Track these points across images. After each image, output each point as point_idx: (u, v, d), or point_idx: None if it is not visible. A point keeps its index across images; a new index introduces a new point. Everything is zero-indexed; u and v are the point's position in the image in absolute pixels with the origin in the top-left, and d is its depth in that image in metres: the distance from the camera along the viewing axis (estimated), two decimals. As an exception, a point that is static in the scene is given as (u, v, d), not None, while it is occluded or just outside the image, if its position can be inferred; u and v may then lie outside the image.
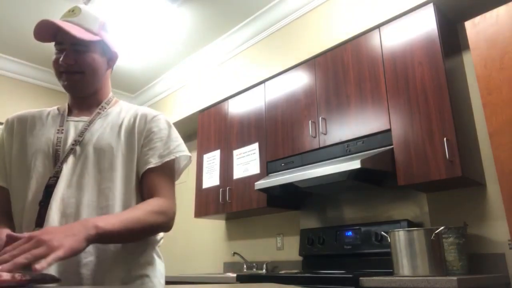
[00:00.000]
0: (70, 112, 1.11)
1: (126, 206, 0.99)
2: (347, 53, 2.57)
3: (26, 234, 0.73)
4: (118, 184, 1.00)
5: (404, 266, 1.88)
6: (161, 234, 1.09)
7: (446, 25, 2.28)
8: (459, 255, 1.97)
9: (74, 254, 0.75)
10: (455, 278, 1.60)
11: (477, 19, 1.93)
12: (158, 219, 0.96)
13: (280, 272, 2.74)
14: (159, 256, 1.08)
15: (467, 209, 2.18)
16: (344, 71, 2.56)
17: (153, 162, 1.03)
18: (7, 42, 3.60)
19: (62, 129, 1.05)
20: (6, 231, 0.92)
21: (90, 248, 0.90)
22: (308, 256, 2.77)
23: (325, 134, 2.55)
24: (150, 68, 4.05)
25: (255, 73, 3.23)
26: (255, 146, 3.04)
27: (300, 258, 2.86)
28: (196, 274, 3.16)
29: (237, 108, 3.32)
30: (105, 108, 1.12)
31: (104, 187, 0.98)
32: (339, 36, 2.64)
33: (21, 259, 0.66)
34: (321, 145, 2.55)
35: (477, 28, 1.92)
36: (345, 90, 2.51)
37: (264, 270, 3.09)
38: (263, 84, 3.14)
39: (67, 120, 1.08)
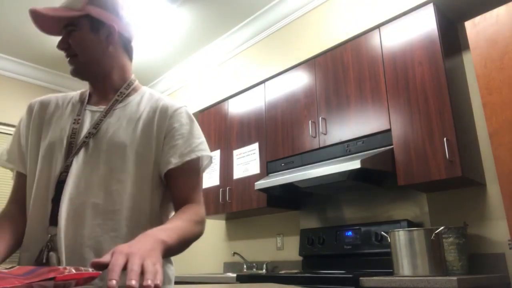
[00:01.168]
0: (89, 100, 1.05)
1: (135, 211, 0.92)
2: (347, 53, 2.57)
3: (108, 257, 0.61)
4: (129, 187, 0.92)
5: (404, 266, 1.88)
6: None
7: (446, 25, 2.28)
8: (459, 255, 1.97)
9: (152, 260, 0.66)
10: (455, 278, 1.60)
11: (477, 19, 1.93)
12: (200, 229, 0.93)
13: (280, 272, 2.74)
14: (169, 261, 1.02)
15: (467, 209, 2.18)
16: (344, 71, 2.56)
17: (174, 162, 0.95)
18: (7, 42, 3.60)
19: (79, 119, 0.98)
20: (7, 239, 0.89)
21: (91, 250, 0.86)
22: (308, 256, 2.77)
23: (325, 134, 2.55)
24: (150, 68, 4.05)
25: (255, 73, 3.23)
26: (255, 146, 3.04)
27: (300, 258, 2.86)
28: (196, 274, 3.16)
29: (237, 108, 3.32)
30: (124, 95, 1.03)
31: (113, 189, 0.91)
32: (339, 36, 2.64)
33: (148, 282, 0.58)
34: (321, 145, 2.55)
35: (477, 28, 1.92)
36: (345, 90, 2.51)
37: (264, 270, 3.09)
38: (263, 84, 3.14)
39: (85, 109, 1.01)
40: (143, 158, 0.95)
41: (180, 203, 0.97)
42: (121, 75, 1.06)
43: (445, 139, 1.99)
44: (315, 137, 2.61)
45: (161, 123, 0.99)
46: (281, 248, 3.12)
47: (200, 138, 1.02)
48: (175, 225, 0.86)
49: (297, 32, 2.98)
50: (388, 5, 2.40)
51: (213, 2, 3.10)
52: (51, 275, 0.55)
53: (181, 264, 4.00)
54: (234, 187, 3.13)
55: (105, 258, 0.61)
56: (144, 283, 0.57)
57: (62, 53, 1.03)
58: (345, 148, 2.41)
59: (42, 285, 0.54)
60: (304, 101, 2.75)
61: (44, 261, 0.85)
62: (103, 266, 0.60)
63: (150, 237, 0.73)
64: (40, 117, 1.03)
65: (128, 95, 1.04)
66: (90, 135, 0.95)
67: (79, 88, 4.23)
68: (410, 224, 2.31)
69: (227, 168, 3.24)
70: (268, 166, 2.90)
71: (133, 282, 0.55)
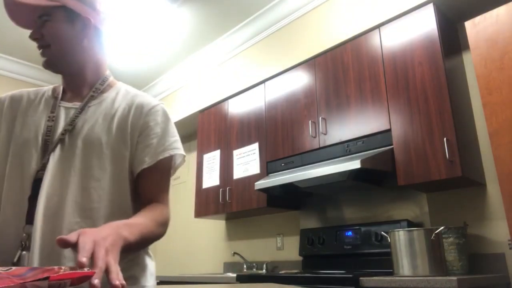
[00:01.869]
0: (63, 96, 1.02)
1: (114, 209, 0.91)
2: (347, 53, 2.57)
3: (74, 237, 0.63)
4: (106, 184, 0.91)
5: (404, 266, 1.88)
6: None
7: (446, 25, 2.28)
8: (459, 255, 1.97)
9: (115, 250, 0.68)
10: (455, 278, 1.60)
11: (477, 19, 1.93)
12: (162, 231, 0.92)
13: (280, 272, 2.74)
14: (148, 255, 1.01)
15: (467, 209, 2.18)
16: (344, 71, 2.56)
17: (147, 161, 0.94)
18: (7, 42, 3.60)
19: (54, 116, 0.96)
20: None
21: (69, 253, 0.83)
22: (308, 256, 2.77)
23: (325, 134, 2.55)
24: (150, 68, 4.05)
25: (255, 73, 3.23)
26: (255, 146, 3.04)
27: (300, 258, 2.86)
28: (196, 274, 3.16)
29: (237, 108, 3.32)
30: (99, 91, 1.01)
31: (89, 186, 0.90)
32: (339, 36, 2.64)
33: (113, 276, 0.61)
34: (321, 145, 2.55)
35: (477, 28, 1.92)
36: (345, 90, 2.51)
37: (264, 270, 3.09)
38: (263, 84, 3.14)
39: (59, 105, 0.98)
40: (119, 155, 0.95)
41: (146, 202, 0.96)
42: (95, 70, 1.04)
43: (445, 139, 1.99)
44: (315, 137, 2.61)
45: (136, 121, 0.98)
46: (281, 248, 3.12)
47: (174, 136, 1.01)
48: (139, 222, 0.85)
49: (297, 32, 2.98)
50: (388, 5, 2.40)
51: (213, 2, 3.10)
52: (45, 274, 0.55)
53: (182, 264, 4.00)
54: (234, 187, 3.13)
55: (72, 237, 0.62)
56: (113, 283, 0.59)
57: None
58: (345, 148, 2.41)
59: (36, 285, 0.53)
60: (304, 101, 2.75)
61: (15, 260, 0.82)
62: (69, 245, 0.62)
63: (114, 230, 0.72)
64: (11, 112, 1.00)
65: (103, 91, 1.02)
66: (66, 132, 0.93)
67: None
68: (410, 224, 2.31)
69: (227, 168, 3.24)
70: (268, 166, 2.90)
71: (96, 281, 0.56)
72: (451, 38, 2.31)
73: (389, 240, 2.00)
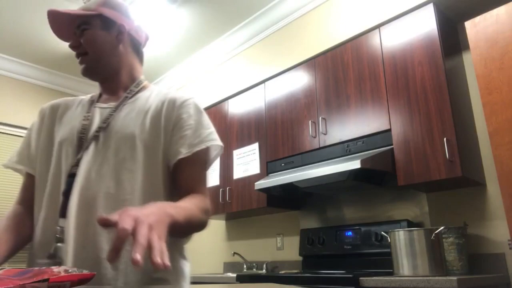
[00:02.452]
0: (99, 99, 1.08)
1: (147, 200, 0.85)
2: (347, 53, 2.57)
3: (115, 216, 0.61)
4: (139, 175, 0.93)
5: (404, 266, 1.88)
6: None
7: (446, 25, 2.28)
8: (459, 255, 1.97)
9: (161, 228, 0.65)
10: (455, 278, 1.60)
11: (477, 19, 1.93)
12: (206, 218, 0.93)
13: (280, 272, 2.74)
14: (184, 257, 1.00)
15: (467, 209, 2.18)
16: (344, 71, 2.56)
17: (183, 152, 0.95)
18: (7, 42, 3.60)
19: (89, 116, 1.01)
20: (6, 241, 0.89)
21: (105, 244, 0.86)
22: (308, 256, 2.77)
23: (325, 134, 2.55)
24: (150, 68, 4.05)
25: (255, 73, 3.23)
26: (255, 146, 3.04)
27: (300, 258, 2.86)
28: (196, 274, 3.16)
29: (237, 108, 3.32)
30: (133, 92, 1.06)
31: (122, 178, 0.92)
32: (339, 36, 2.64)
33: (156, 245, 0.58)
34: (321, 145, 2.55)
35: (477, 28, 1.92)
36: (345, 90, 2.51)
37: (264, 270, 3.09)
38: (263, 84, 3.14)
39: (94, 107, 1.04)
40: (152, 148, 0.96)
41: (185, 194, 0.95)
42: (130, 75, 1.09)
43: (445, 139, 1.99)
44: (315, 137, 2.61)
45: (169, 114, 1.00)
46: (281, 248, 3.12)
47: (209, 128, 1.02)
48: (184, 205, 0.86)
49: (297, 32, 2.98)
50: (388, 5, 2.40)
51: (213, 2, 3.10)
52: (45, 276, 0.55)
53: (181, 264, 4.00)
54: (234, 187, 3.13)
55: (113, 217, 0.60)
56: (154, 259, 0.55)
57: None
58: (345, 148, 2.41)
59: (35, 286, 0.54)
60: (304, 101, 2.75)
61: (52, 251, 0.86)
62: (109, 224, 0.59)
63: (160, 208, 0.70)
64: (51, 119, 1.06)
65: (137, 92, 1.07)
66: (100, 129, 0.97)
67: (79, 87, 4.27)
68: (410, 224, 2.31)
69: (227, 168, 3.24)
70: (268, 166, 2.90)
71: (138, 257, 0.53)
72: (451, 38, 2.31)
73: (389, 240, 2.00)
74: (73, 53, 1.06)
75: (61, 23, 1.04)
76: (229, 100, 3.43)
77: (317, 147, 2.57)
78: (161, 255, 0.56)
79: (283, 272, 2.74)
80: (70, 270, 0.60)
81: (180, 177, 0.97)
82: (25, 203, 1.01)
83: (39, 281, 0.54)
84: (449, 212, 2.24)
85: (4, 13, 3.19)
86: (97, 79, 1.08)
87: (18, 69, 3.94)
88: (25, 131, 3.99)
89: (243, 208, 3.00)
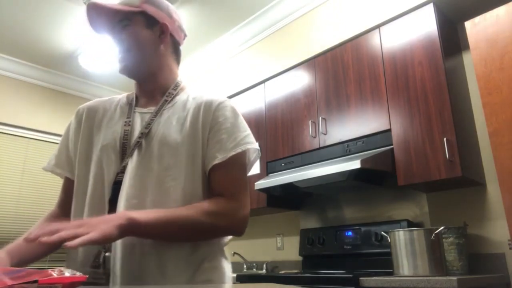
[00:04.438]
0: (137, 102, 1.06)
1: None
2: (347, 53, 2.57)
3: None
4: (182, 182, 0.91)
5: (404, 266, 1.88)
6: (228, 237, 1.01)
7: (446, 25, 2.28)
8: (459, 255, 1.97)
9: (106, 239, 0.73)
10: (455, 278, 1.60)
11: (477, 19, 1.93)
12: (214, 221, 0.88)
13: (280, 272, 2.74)
14: (226, 258, 1.00)
15: (467, 209, 2.18)
16: (344, 71, 2.56)
17: (219, 157, 0.93)
18: (7, 42, 3.59)
19: (130, 121, 0.99)
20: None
21: (151, 249, 0.86)
22: (308, 256, 2.77)
23: (325, 134, 2.55)
24: (150, 68, 4.05)
25: (255, 73, 3.23)
26: (255, 146, 3.04)
27: (300, 258, 2.86)
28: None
29: (237, 108, 3.32)
30: (173, 95, 1.04)
31: (167, 186, 0.91)
32: (339, 36, 2.64)
33: (63, 233, 0.70)
34: (321, 145, 2.55)
35: (477, 28, 1.92)
36: (345, 90, 2.51)
37: (264, 270, 3.09)
38: (263, 84, 3.14)
39: (134, 111, 1.02)
40: (193, 154, 0.95)
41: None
42: (168, 76, 1.07)
43: (445, 139, 1.99)
44: (315, 137, 2.61)
45: (206, 118, 0.98)
46: (281, 248, 3.12)
47: (245, 131, 0.99)
48: (170, 210, 0.87)
49: (297, 32, 2.98)
50: (388, 5, 2.40)
51: (212, 2, 3.10)
52: (35, 277, 0.55)
53: (181, 264, 3.99)
54: (234, 187, 3.12)
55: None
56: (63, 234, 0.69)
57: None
58: (345, 148, 2.41)
59: (24, 287, 0.53)
60: (304, 101, 2.75)
61: (101, 261, 0.86)
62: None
63: (117, 213, 0.79)
64: (89, 122, 1.04)
65: (175, 95, 1.05)
66: (142, 135, 0.96)
67: (79, 87, 4.27)
68: (410, 224, 2.31)
69: (227, 168, 3.24)
70: (268, 166, 2.90)
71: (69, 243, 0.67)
72: (451, 38, 2.31)
73: (389, 240, 2.00)
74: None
75: (100, 16, 1.01)
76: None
77: (317, 147, 2.57)
78: (74, 237, 0.69)
79: (283, 272, 2.74)
80: (65, 272, 0.60)
81: (214, 180, 0.95)
82: (64, 206, 1.02)
83: (28, 282, 0.54)
84: (449, 212, 2.24)
85: (3, 13, 3.18)
86: (134, 78, 1.07)
87: (18, 69, 3.93)
88: (25, 131, 3.99)
89: (243, 208, 3.00)
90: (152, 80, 1.05)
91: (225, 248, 1.03)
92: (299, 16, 3.00)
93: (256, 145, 1.00)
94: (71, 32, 3.41)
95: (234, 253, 3.29)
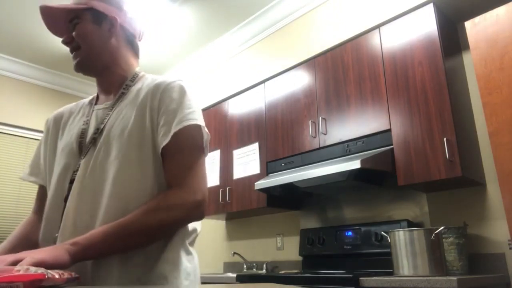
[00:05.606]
0: (98, 100, 1.07)
1: (143, 195, 0.89)
2: (347, 53, 2.57)
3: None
4: (134, 172, 0.89)
5: (404, 266, 1.88)
6: (193, 227, 0.97)
7: (446, 25, 2.28)
8: (459, 255, 1.97)
9: (55, 260, 0.71)
10: (455, 278, 1.60)
11: (477, 19, 1.93)
12: (162, 217, 0.84)
13: (280, 272, 2.74)
14: (188, 253, 0.94)
15: (467, 209, 2.18)
16: (344, 71, 2.56)
17: (164, 140, 0.89)
18: (7, 42, 3.59)
19: (88, 120, 1.01)
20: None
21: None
22: (308, 256, 2.77)
23: (325, 134, 2.55)
24: (150, 68, 4.05)
25: (255, 73, 3.23)
26: (255, 146, 3.04)
27: (300, 258, 2.86)
28: (196, 274, 3.15)
29: (237, 108, 3.32)
30: (130, 87, 1.03)
31: (117, 177, 0.88)
32: (339, 36, 2.64)
33: (7, 257, 0.68)
34: (321, 145, 2.55)
35: (477, 28, 1.92)
36: (345, 90, 2.51)
37: (264, 270, 3.09)
38: (263, 84, 3.14)
39: (93, 110, 1.03)
40: (141, 143, 0.92)
41: (168, 186, 0.91)
42: (125, 68, 1.06)
43: (445, 139, 1.99)
44: (315, 137, 2.61)
45: (153, 102, 0.95)
46: (281, 248, 3.12)
47: (189, 108, 0.93)
48: (115, 222, 0.83)
49: (297, 32, 2.98)
50: (388, 5, 2.40)
51: (213, 1, 3.10)
52: None
53: (181, 264, 3.99)
54: (234, 187, 3.13)
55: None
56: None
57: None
58: (345, 148, 2.41)
59: None
60: (304, 101, 2.75)
61: None
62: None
63: (61, 243, 0.79)
64: (55, 129, 1.08)
65: (132, 86, 1.05)
66: (97, 131, 0.96)
67: (79, 87, 4.26)
68: (410, 224, 2.31)
69: (227, 168, 3.24)
70: (268, 166, 2.90)
71: None
72: (451, 38, 2.31)
73: (389, 240, 2.00)
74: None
75: (54, 18, 1.03)
76: (229, 100, 3.43)
77: (317, 147, 2.57)
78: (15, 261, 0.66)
79: (283, 272, 2.74)
80: (32, 270, 0.58)
81: (164, 167, 0.92)
82: (39, 212, 1.04)
83: None
84: (449, 212, 2.24)
85: (4, 13, 3.18)
86: (90, 74, 1.07)
87: (18, 69, 3.94)
88: (25, 131, 3.99)
89: (243, 208, 3.00)
90: (107, 74, 1.05)
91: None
92: (299, 16, 3.00)
93: (199, 121, 0.93)
94: (71, 32, 3.41)
95: (234, 253, 3.29)
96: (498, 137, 1.74)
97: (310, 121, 2.66)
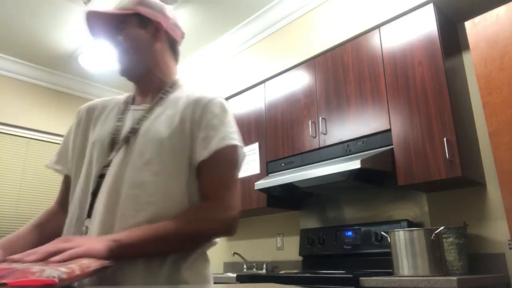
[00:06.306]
0: (134, 101, 1.08)
1: (170, 202, 0.91)
2: (347, 53, 2.57)
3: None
4: (164, 179, 0.91)
5: (404, 266, 1.88)
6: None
7: (446, 25, 2.28)
8: (459, 255, 1.97)
9: (95, 253, 0.73)
10: (455, 278, 1.60)
11: (477, 19, 1.93)
12: (198, 228, 0.88)
13: (280, 272, 2.74)
14: (206, 260, 0.99)
15: (467, 209, 2.18)
16: (344, 71, 2.56)
17: (204, 154, 0.92)
18: (7, 42, 3.59)
19: (122, 118, 1.02)
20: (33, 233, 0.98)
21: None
22: (308, 256, 2.77)
23: (325, 134, 2.55)
24: (150, 68, 4.05)
25: (255, 73, 3.23)
26: (255, 146, 3.04)
27: (300, 258, 2.86)
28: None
29: (237, 108, 3.32)
30: (168, 93, 1.05)
31: (147, 180, 0.90)
32: (339, 36, 2.64)
33: (50, 247, 0.71)
34: (321, 145, 2.55)
35: (477, 28, 1.92)
36: (345, 90, 2.51)
37: (264, 270, 3.09)
38: (263, 84, 3.14)
39: (128, 109, 1.04)
40: (178, 150, 0.94)
41: (202, 198, 0.94)
42: (165, 74, 1.08)
43: (445, 139, 1.99)
44: (315, 137, 2.61)
45: (194, 115, 0.97)
46: (281, 248, 3.12)
47: (231, 127, 0.98)
48: (155, 226, 0.85)
49: (297, 32, 2.98)
50: (388, 5, 2.40)
51: (213, 2, 3.10)
52: (5, 280, 0.54)
53: (181, 264, 3.99)
54: (234, 187, 3.12)
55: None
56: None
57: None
58: (345, 148, 2.41)
59: None
60: (304, 101, 2.75)
61: None
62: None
63: (105, 236, 0.81)
64: (87, 120, 1.08)
65: (171, 93, 1.06)
66: (132, 130, 0.97)
67: (79, 87, 4.26)
68: (410, 224, 2.31)
69: (227, 168, 3.24)
70: (268, 166, 2.90)
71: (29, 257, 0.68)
72: (451, 38, 2.31)
73: (389, 240, 2.00)
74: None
75: (98, 23, 1.05)
76: (229, 100, 3.43)
77: (317, 147, 2.57)
78: (60, 251, 0.70)
79: (283, 272, 2.74)
80: (46, 273, 0.58)
81: (201, 180, 0.95)
82: (62, 203, 1.04)
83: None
84: (449, 212, 2.24)
85: (4, 13, 3.18)
86: (133, 79, 1.08)
87: (18, 69, 3.93)
88: (25, 131, 3.98)
89: (243, 208, 3.00)
90: (148, 78, 1.07)
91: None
92: (299, 16, 3.00)
93: (239, 142, 0.98)
94: (71, 32, 3.41)
95: (234, 253, 3.29)
96: (498, 137, 1.74)
97: (310, 121, 2.66)
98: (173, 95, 1.05)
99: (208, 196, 0.93)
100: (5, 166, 3.67)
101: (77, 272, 0.62)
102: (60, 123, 4.02)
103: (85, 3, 2.98)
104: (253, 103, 3.17)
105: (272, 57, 3.12)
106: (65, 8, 3.12)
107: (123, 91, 4.42)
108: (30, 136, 3.89)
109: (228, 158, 0.96)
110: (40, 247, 0.71)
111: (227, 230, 0.93)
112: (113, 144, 0.97)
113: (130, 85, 1.12)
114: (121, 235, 0.81)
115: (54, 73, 4.10)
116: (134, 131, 0.97)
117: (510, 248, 1.85)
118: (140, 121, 0.98)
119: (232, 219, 0.92)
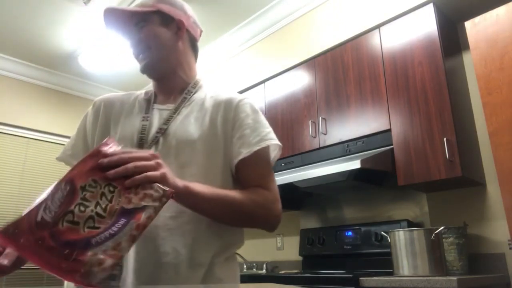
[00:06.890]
0: (155, 99, 1.07)
1: None
2: (347, 53, 2.57)
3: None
4: (200, 178, 0.90)
5: (404, 266, 1.88)
6: (242, 240, 1.05)
7: (446, 25, 2.28)
8: (459, 255, 1.97)
9: (166, 182, 0.72)
10: (455, 278, 1.60)
11: (477, 19, 1.93)
12: (257, 210, 0.92)
13: (280, 272, 2.74)
14: (235, 260, 1.04)
15: (467, 209, 2.18)
16: (344, 71, 2.56)
17: (244, 152, 0.95)
18: (7, 42, 3.59)
19: (148, 117, 1.00)
20: None
21: (167, 248, 0.87)
22: (308, 256, 2.77)
23: (325, 134, 2.55)
24: (150, 68, 4.05)
25: (255, 73, 3.23)
26: (255, 146, 3.04)
27: (300, 258, 2.86)
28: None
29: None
30: (191, 93, 1.05)
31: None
32: (339, 36, 2.64)
33: (131, 166, 0.69)
34: (321, 145, 2.55)
35: (477, 28, 1.92)
36: (345, 90, 2.51)
37: (264, 270, 3.09)
38: (263, 84, 3.14)
39: (152, 108, 1.03)
40: (212, 152, 0.95)
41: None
42: (187, 73, 1.08)
43: (445, 139, 1.99)
44: (315, 137, 2.61)
45: (227, 115, 0.99)
46: (281, 248, 3.12)
47: (268, 127, 1.01)
48: (222, 190, 0.89)
49: (297, 32, 2.98)
50: (388, 5, 2.40)
51: (212, 2, 3.10)
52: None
53: (181, 264, 3.99)
54: (234, 187, 3.12)
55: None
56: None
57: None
58: (345, 148, 2.41)
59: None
60: (304, 101, 2.75)
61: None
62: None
63: (178, 179, 0.79)
64: (106, 114, 1.05)
65: (194, 93, 1.06)
66: (161, 131, 0.96)
67: (78, 87, 4.26)
68: (410, 224, 2.31)
69: (227, 168, 3.24)
70: (268, 166, 2.89)
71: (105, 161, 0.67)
72: (451, 38, 2.31)
73: (389, 240, 2.00)
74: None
75: (117, 20, 1.03)
76: (229, 100, 3.43)
77: (317, 147, 2.57)
78: (141, 171, 0.68)
79: (283, 272, 2.74)
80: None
81: (244, 177, 0.97)
82: None
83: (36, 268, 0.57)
84: (449, 212, 2.24)
85: (4, 13, 3.18)
86: (155, 77, 1.07)
87: (18, 69, 3.93)
88: (25, 131, 3.96)
89: (243, 208, 3.00)
90: (171, 77, 1.06)
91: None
92: (299, 16, 3.00)
93: (277, 141, 1.02)
94: (71, 32, 3.41)
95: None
96: (498, 137, 1.74)
97: (310, 121, 2.66)
98: (196, 96, 1.05)
99: (258, 183, 0.96)
100: (5, 166, 3.67)
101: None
102: (60, 123, 4.02)
103: (85, 3, 2.98)
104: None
105: (272, 57, 3.11)
106: (65, 8, 3.12)
107: (123, 91, 4.41)
108: (30, 136, 3.89)
109: (266, 156, 1.00)
110: (128, 154, 0.70)
111: (274, 221, 0.97)
112: (141, 143, 0.95)
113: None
114: (191, 183, 0.82)
115: (54, 73, 4.10)
116: (162, 132, 0.96)
117: (510, 248, 1.84)
118: (167, 121, 0.98)
119: (281, 212, 0.98)
